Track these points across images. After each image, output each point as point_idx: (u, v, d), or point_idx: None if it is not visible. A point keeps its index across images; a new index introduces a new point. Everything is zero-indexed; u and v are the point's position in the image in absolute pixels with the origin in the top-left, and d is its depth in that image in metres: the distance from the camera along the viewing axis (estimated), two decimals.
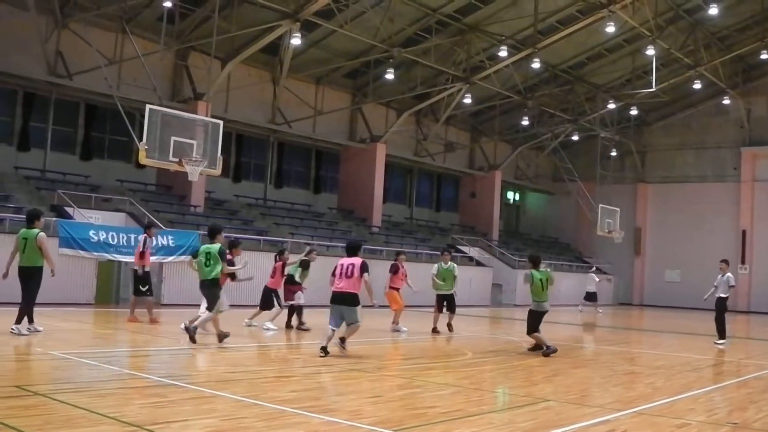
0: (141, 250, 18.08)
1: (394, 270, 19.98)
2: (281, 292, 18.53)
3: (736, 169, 46.77)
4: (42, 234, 14.22)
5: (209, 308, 14.37)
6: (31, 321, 14.32)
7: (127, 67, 28.09)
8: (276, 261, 18.68)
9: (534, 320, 15.27)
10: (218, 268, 14.13)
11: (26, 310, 14.19)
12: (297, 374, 11.59)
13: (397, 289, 19.97)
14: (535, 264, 15.65)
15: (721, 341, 19.40)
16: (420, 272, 33.60)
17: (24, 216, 16.58)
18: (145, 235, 18.49)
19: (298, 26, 28.24)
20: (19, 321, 14.08)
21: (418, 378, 11.37)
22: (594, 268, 38.76)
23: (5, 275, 14.17)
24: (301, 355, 13.78)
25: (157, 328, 17.13)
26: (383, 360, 14.15)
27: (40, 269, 14.14)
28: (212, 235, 14.54)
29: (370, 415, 8.37)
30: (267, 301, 18.30)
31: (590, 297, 34.66)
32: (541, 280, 15.32)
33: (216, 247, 14.19)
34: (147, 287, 18.12)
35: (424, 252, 36.57)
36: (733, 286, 19.68)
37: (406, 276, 20.09)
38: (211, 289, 14.29)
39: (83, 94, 28.81)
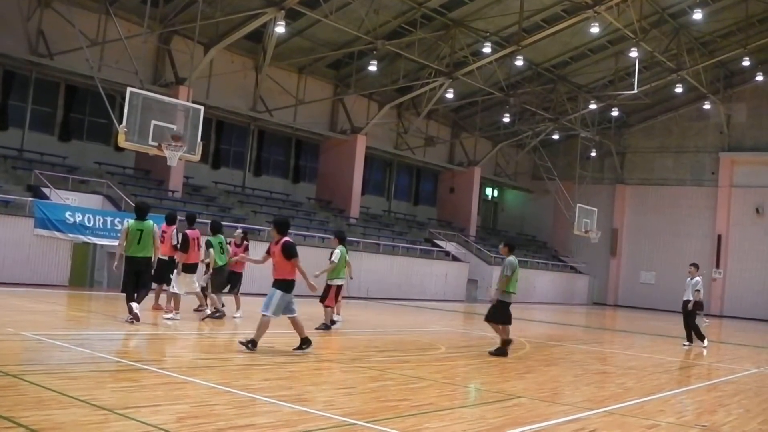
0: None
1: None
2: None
3: (714, 174, 47.12)
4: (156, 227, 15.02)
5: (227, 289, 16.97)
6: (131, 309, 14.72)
7: (110, 49, 27.86)
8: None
9: None
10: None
11: (143, 293, 14.82)
12: (270, 363, 11.56)
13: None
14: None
15: (687, 343, 19.95)
16: (396, 265, 33.95)
17: None
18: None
19: (283, 14, 28.17)
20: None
21: (391, 371, 11.37)
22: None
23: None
24: (274, 343, 13.75)
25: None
26: (357, 352, 14.15)
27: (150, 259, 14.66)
28: (217, 229, 16.90)
29: (342, 406, 8.37)
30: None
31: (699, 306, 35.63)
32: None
33: (222, 238, 16.91)
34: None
35: (401, 245, 36.63)
36: (698, 290, 19.94)
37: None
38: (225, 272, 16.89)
39: (64, 74, 28.59)
